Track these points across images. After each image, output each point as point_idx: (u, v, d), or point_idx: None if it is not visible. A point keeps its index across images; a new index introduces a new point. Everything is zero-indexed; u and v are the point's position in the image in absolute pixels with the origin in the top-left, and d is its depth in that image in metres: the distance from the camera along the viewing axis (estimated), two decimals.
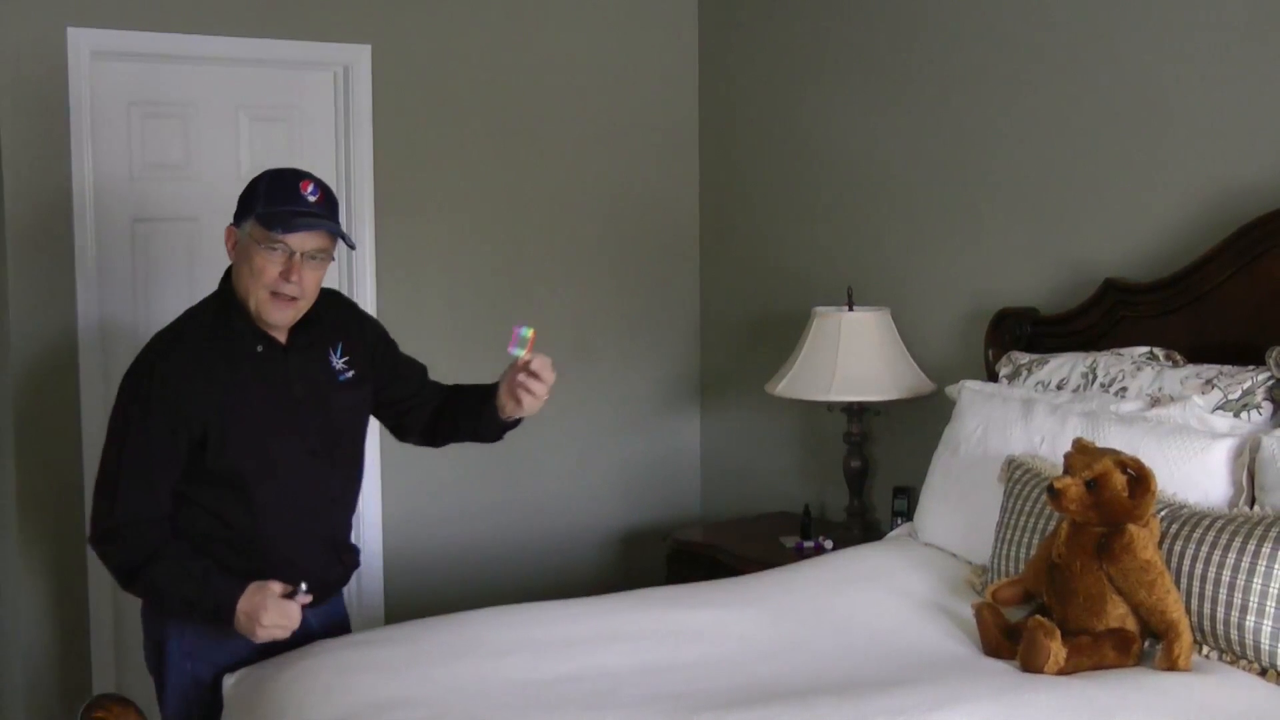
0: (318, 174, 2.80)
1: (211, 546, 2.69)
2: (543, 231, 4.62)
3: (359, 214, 4.25)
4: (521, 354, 2.73)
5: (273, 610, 2.57)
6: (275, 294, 2.64)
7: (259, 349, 2.70)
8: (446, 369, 4.38)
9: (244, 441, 2.67)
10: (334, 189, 2.88)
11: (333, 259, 2.75)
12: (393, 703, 2.41)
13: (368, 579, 4.31)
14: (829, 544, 3.86)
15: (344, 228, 3.15)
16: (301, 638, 2.72)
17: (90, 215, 3.86)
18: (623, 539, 4.83)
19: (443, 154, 4.42)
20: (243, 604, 2.58)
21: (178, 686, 2.77)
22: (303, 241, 2.64)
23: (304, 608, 2.66)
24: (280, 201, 2.64)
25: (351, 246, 2.82)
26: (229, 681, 2.70)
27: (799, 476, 4.49)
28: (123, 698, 2.51)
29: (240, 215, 2.69)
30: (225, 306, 2.72)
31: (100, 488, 2.72)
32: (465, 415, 2.98)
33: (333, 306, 2.87)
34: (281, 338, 2.73)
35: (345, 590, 3.07)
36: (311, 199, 2.66)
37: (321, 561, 2.82)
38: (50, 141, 3.80)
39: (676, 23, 4.81)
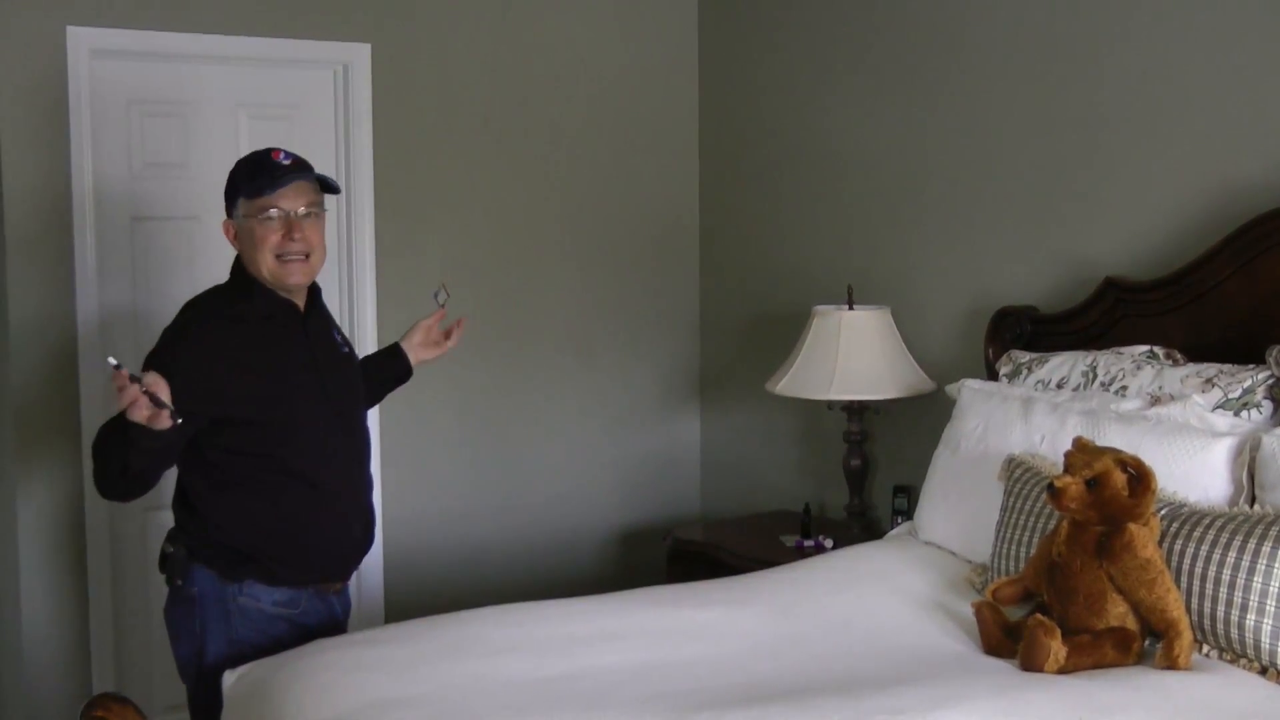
0: (318, 172, 2.92)
1: (264, 525, 2.82)
2: (542, 229, 4.62)
3: (359, 212, 4.25)
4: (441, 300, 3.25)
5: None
6: (282, 258, 2.78)
7: (281, 318, 2.84)
8: (445, 364, 4.38)
9: (279, 402, 2.79)
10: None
11: (325, 210, 2.88)
12: (392, 702, 2.41)
13: (368, 577, 4.31)
14: (829, 543, 3.86)
15: (335, 218, 3.27)
16: (327, 622, 2.93)
17: (90, 214, 3.86)
18: (622, 537, 4.83)
19: (442, 152, 4.42)
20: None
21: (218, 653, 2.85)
22: (293, 200, 2.79)
23: (331, 594, 2.95)
24: (258, 174, 2.79)
25: (336, 190, 2.95)
26: (229, 680, 2.70)
27: (799, 475, 4.49)
28: (122, 697, 2.52)
29: (229, 203, 2.85)
30: (245, 286, 2.84)
31: None
32: (374, 378, 3.23)
33: (320, 294, 3.02)
34: (299, 305, 2.88)
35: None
36: (285, 162, 2.81)
37: (359, 525, 2.99)
38: (50, 140, 3.79)
39: (676, 21, 4.81)
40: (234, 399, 2.74)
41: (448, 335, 3.32)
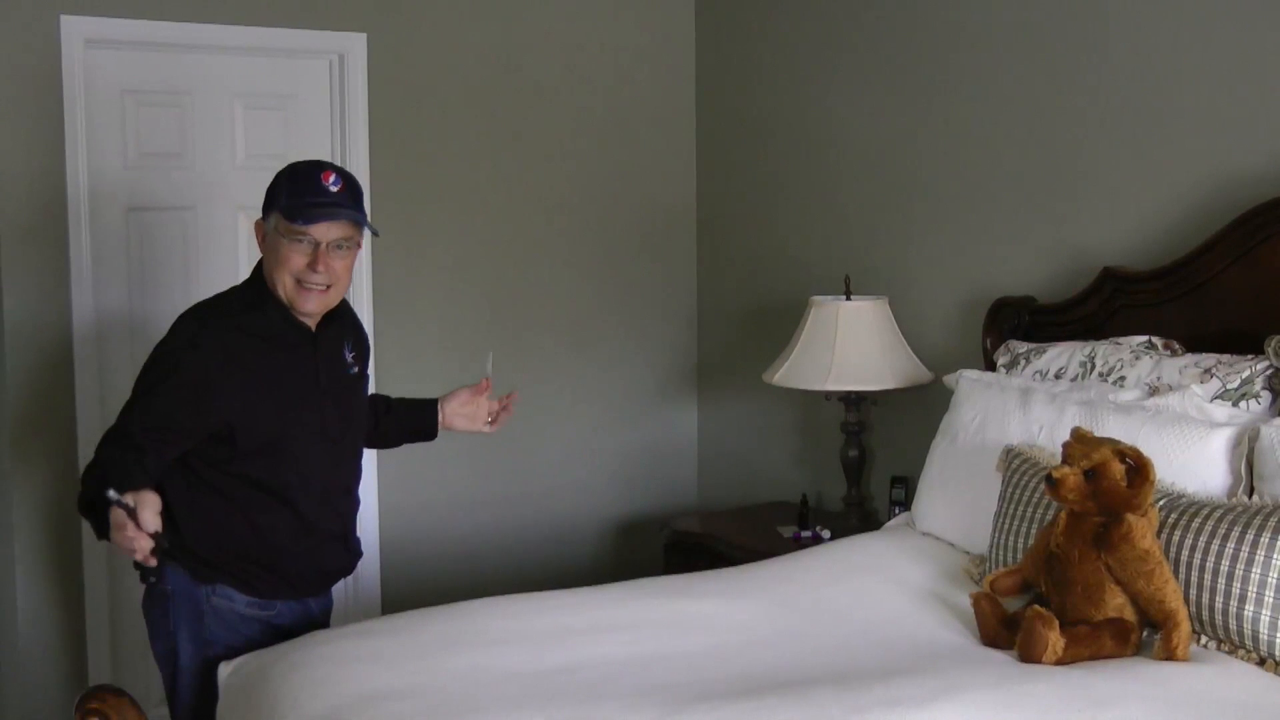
0: (362, 216, 2.80)
1: (239, 541, 2.75)
2: (540, 220, 4.61)
3: None
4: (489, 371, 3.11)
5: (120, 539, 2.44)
6: (302, 284, 2.70)
7: (292, 337, 2.75)
8: (442, 358, 4.38)
9: (273, 427, 2.71)
10: None
11: (359, 245, 2.79)
12: (388, 693, 2.40)
13: (364, 569, 4.30)
14: (826, 534, 3.85)
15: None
16: (302, 622, 2.86)
17: (84, 205, 3.85)
18: (620, 529, 4.83)
19: (438, 142, 4.41)
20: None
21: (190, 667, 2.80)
22: (326, 231, 2.69)
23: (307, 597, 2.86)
24: (302, 194, 2.68)
25: (375, 233, 2.85)
26: (225, 671, 2.69)
27: (796, 466, 4.48)
28: (118, 689, 2.51)
29: (266, 209, 2.74)
30: (260, 297, 2.75)
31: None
32: (397, 424, 3.16)
33: (343, 304, 2.93)
34: (312, 326, 2.79)
35: (342, 579, 3.11)
36: (334, 189, 2.69)
37: (334, 551, 2.91)
38: (44, 131, 3.78)
39: (674, 10, 4.79)
40: (232, 416, 2.66)
41: (494, 419, 3.14)
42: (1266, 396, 2.88)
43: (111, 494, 2.38)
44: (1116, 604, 2.55)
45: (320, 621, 2.95)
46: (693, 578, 3.14)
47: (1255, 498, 2.66)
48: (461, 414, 3.14)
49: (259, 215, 2.79)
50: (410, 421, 3.16)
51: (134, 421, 2.63)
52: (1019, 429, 3.13)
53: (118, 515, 2.38)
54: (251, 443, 2.69)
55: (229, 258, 4.00)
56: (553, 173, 4.62)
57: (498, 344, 4.53)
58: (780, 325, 4.27)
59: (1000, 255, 3.76)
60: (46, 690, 3.89)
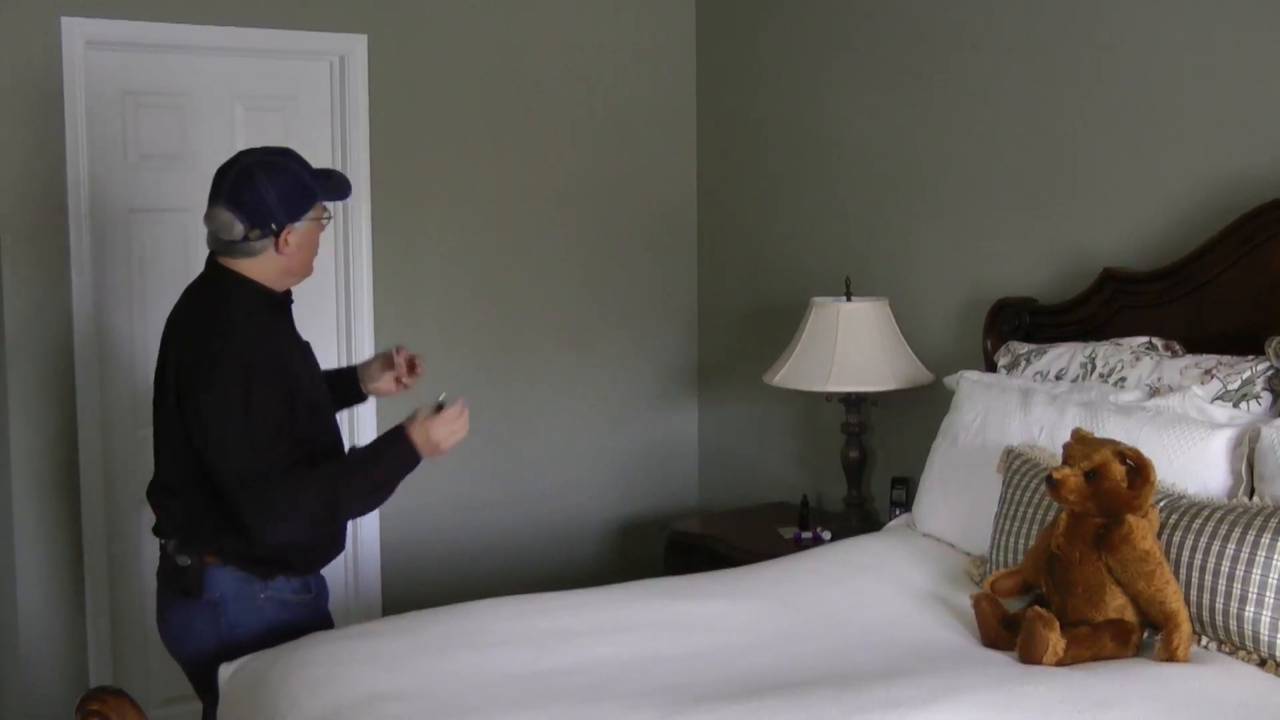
0: (314, 164, 2.89)
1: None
2: (540, 221, 4.61)
3: (355, 203, 4.23)
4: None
5: (439, 429, 2.76)
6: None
7: (278, 311, 2.85)
8: (441, 356, 4.37)
9: (309, 391, 2.83)
10: None
11: None
12: (389, 694, 2.41)
13: (365, 570, 4.31)
14: (827, 535, 3.85)
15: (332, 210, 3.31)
16: (327, 596, 2.95)
17: (85, 206, 3.84)
18: (620, 530, 4.83)
19: (439, 143, 4.41)
20: (418, 439, 2.77)
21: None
22: None
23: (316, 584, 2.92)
24: (323, 176, 2.85)
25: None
26: (225, 671, 2.69)
27: (797, 467, 4.48)
28: (119, 690, 2.51)
29: (303, 208, 2.77)
30: (244, 291, 2.77)
31: (239, 473, 2.67)
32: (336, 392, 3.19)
33: None
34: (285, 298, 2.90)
35: (343, 579, 3.12)
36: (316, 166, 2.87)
37: None
38: (44, 131, 3.78)
39: (674, 10, 4.79)
40: (295, 392, 2.75)
41: (410, 370, 3.17)
42: (1267, 397, 2.88)
43: (444, 396, 2.78)
44: (1117, 605, 2.55)
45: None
46: (693, 579, 3.14)
47: (1256, 499, 2.66)
48: (377, 384, 3.18)
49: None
50: (340, 391, 3.18)
51: (280, 448, 2.67)
52: (1019, 430, 3.13)
53: (450, 412, 2.75)
54: (304, 413, 2.76)
55: None
56: (553, 173, 4.62)
57: (498, 344, 4.55)
58: (781, 326, 4.27)
59: (1001, 256, 3.76)
60: (47, 691, 3.89)
